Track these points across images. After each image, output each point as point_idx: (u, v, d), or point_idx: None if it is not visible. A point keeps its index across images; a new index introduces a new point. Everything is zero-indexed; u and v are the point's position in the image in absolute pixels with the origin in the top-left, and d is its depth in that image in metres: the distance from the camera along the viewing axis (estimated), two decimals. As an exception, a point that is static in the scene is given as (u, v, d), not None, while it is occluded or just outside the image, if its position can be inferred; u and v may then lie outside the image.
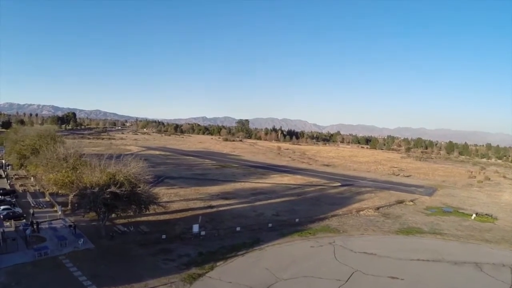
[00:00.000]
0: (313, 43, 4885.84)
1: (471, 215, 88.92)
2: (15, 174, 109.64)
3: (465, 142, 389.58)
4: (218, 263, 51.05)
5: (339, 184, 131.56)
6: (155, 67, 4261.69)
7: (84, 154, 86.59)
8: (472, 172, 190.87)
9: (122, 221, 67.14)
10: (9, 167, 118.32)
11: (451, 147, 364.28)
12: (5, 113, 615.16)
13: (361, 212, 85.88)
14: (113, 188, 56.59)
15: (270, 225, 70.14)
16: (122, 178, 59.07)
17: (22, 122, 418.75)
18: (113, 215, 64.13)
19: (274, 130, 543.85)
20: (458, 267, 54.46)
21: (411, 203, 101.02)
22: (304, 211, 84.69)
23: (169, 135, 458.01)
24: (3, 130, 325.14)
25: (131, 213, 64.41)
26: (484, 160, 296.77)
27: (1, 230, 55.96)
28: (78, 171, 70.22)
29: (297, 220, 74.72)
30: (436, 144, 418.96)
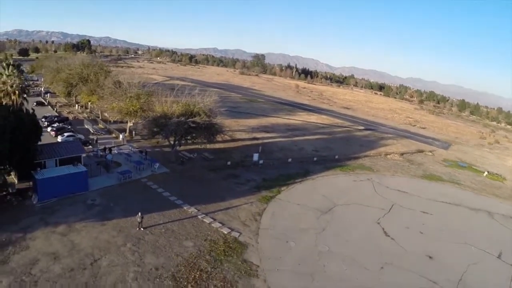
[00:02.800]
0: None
1: (483, 172, 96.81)
2: (57, 102, 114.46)
3: (477, 103, 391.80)
4: (282, 188, 60.11)
5: (363, 127, 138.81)
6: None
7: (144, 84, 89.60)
8: (483, 133, 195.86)
9: (185, 148, 73.74)
10: (48, 94, 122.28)
11: (463, 105, 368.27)
12: (18, 40, 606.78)
13: (388, 156, 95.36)
14: (194, 118, 63.99)
15: (315, 159, 79.88)
16: (198, 110, 66.36)
17: (37, 49, 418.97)
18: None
19: (289, 67, 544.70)
20: (474, 212, 63.89)
21: (430, 153, 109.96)
22: (338, 149, 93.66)
23: (185, 65, 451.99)
24: (31, 57, 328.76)
25: (203, 141, 71.71)
26: (494, 123, 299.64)
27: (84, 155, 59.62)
28: (142, 100, 75.68)
29: (336, 156, 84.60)
30: (447, 100, 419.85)
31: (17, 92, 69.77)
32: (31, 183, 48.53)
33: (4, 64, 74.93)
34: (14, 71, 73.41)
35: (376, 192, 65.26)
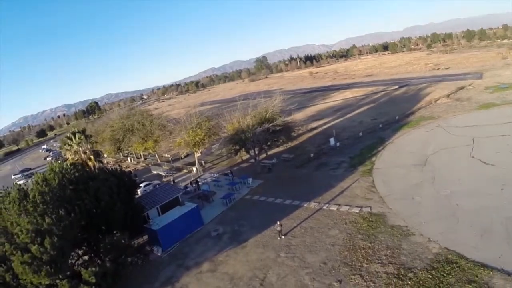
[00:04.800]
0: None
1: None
2: (107, 162, 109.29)
3: (482, 27, 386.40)
4: (372, 159, 62.42)
5: (397, 86, 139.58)
6: (151, 34, 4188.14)
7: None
8: (502, 53, 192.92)
9: (262, 156, 74.22)
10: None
11: (470, 35, 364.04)
12: (30, 125, 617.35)
13: (438, 101, 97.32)
14: (275, 123, 66.39)
15: (380, 126, 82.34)
16: (270, 115, 68.34)
17: (51, 127, 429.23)
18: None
19: (293, 59, 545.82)
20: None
21: (470, 87, 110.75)
22: (392, 111, 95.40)
23: (194, 92, 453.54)
24: (49, 136, 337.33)
25: (281, 144, 71.65)
26: (506, 41, 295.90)
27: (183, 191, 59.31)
28: (204, 128, 75.57)
29: (396, 117, 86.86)
30: (452, 36, 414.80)
31: (92, 157, 70.25)
32: (144, 237, 48.47)
33: (70, 134, 75.35)
34: (82, 137, 73.68)
35: (451, 133, 67.31)
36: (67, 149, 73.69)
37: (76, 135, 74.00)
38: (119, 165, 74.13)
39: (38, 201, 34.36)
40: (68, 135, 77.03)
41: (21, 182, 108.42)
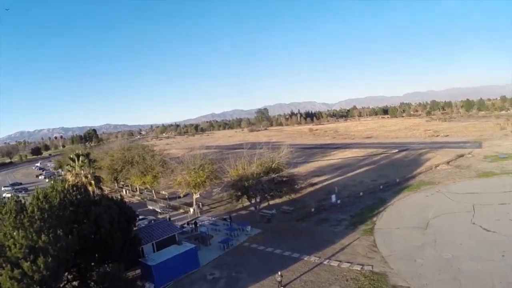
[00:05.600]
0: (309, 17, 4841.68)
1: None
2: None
3: (480, 98, 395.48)
4: (373, 219, 62.75)
5: (397, 150, 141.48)
6: (156, 72, 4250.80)
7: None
8: (500, 124, 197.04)
9: (262, 205, 72.59)
10: None
11: (469, 104, 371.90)
12: (26, 140, 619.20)
13: (438, 168, 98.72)
14: (281, 173, 67.03)
15: (380, 187, 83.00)
16: (276, 166, 69.05)
17: (46, 147, 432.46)
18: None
19: (294, 114, 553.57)
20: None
21: (470, 155, 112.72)
22: (392, 174, 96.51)
23: (193, 135, 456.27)
24: (43, 155, 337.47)
25: (284, 195, 71.62)
26: (504, 112, 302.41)
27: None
28: (206, 170, 75.74)
29: (397, 180, 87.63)
30: (451, 105, 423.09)
31: (92, 182, 69.63)
32: (136, 272, 47.46)
33: (73, 156, 74.82)
34: (85, 161, 73.52)
35: (452, 199, 68.22)
36: (69, 170, 73.08)
37: (80, 158, 73.99)
38: (120, 195, 74.24)
39: (36, 217, 33.51)
40: (71, 156, 77.01)
41: (9, 195, 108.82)
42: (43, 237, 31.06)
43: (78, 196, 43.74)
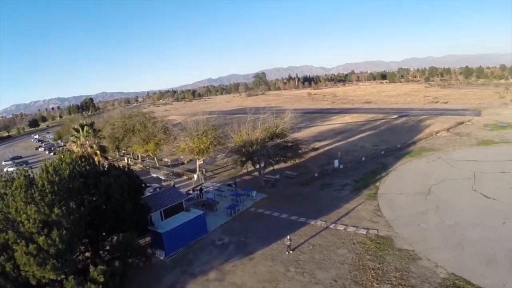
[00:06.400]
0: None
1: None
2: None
3: (480, 66, 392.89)
4: (376, 184, 63.84)
5: (396, 116, 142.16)
6: (151, 38, 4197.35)
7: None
8: (499, 93, 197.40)
9: (266, 171, 72.50)
10: None
11: (468, 72, 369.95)
12: (22, 113, 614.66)
13: (438, 134, 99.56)
14: (286, 139, 67.67)
15: (382, 152, 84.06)
16: (280, 131, 69.47)
17: (43, 119, 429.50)
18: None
19: (291, 78, 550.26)
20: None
21: (470, 123, 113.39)
22: (393, 140, 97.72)
23: (190, 101, 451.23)
24: (41, 127, 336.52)
25: (288, 160, 71.69)
26: (503, 81, 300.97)
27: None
28: (210, 136, 75.90)
29: (398, 145, 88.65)
30: (450, 71, 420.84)
31: (98, 152, 69.59)
32: (146, 239, 47.44)
33: (77, 126, 74.24)
34: (90, 131, 72.73)
35: (452, 166, 69.36)
36: (73, 141, 72.89)
37: (84, 128, 73.33)
38: (128, 164, 74.36)
39: (47, 191, 33.12)
40: (75, 127, 76.23)
41: (11, 169, 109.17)
42: (56, 210, 31.07)
43: (87, 167, 43.49)
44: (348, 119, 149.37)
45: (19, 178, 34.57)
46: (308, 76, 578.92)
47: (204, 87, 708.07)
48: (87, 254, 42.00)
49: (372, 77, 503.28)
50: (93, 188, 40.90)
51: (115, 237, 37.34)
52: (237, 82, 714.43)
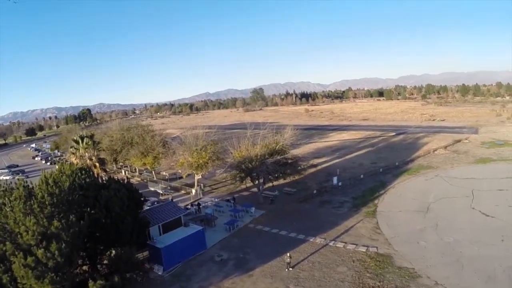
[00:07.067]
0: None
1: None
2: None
3: (476, 83, 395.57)
4: (375, 201, 63.85)
5: (394, 133, 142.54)
6: (149, 50, 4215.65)
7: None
8: (496, 110, 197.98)
9: (265, 186, 71.99)
10: None
11: (464, 89, 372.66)
12: (20, 121, 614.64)
13: (436, 152, 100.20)
14: (286, 155, 68.30)
15: (380, 170, 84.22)
16: (280, 147, 69.80)
17: (41, 127, 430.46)
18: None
19: (289, 94, 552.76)
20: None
21: (467, 140, 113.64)
22: (390, 157, 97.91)
23: (188, 115, 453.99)
24: (38, 136, 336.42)
25: (288, 176, 72.59)
26: (499, 98, 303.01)
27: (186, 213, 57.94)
28: (209, 151, 75.99)
29: (396, 163, 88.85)
30: (446, 89, 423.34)
31: (97, 165, 68.74)
32: (144, 254, 47.29)
33: (77, 138, 73.67)
34: (90, 143, 72.33)
35: (451, 184, 69.61)
36: (72, 153, 72.15)
37: (84, 140, 73.03)
38: (127, 177, 74.16)
39: (46, 202, 32.76)
40: (75, 138, 75.88)
41: (7, 177, 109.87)
42: (55, 222, 30.88)
43: (87, 180, 43.56)
44: (345, 136, 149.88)
45: (18, 189, 34.51)
46: (305, 92, 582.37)
47: (201, 101, 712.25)
48: (85, 267, 42.02)
49: (369, 94, 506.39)
50: (93, 201, 40.86)
51: (114, 251, 37.46)
52: (234, 97, 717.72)
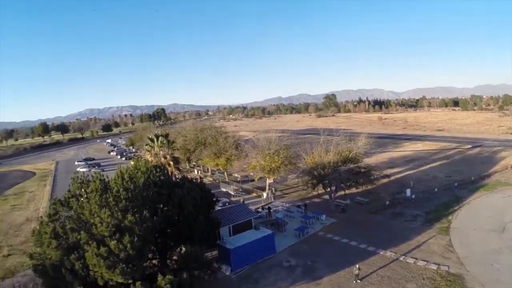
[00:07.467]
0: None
1: None
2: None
3: None
4: (449, 217, 61.31)
5: (470, 146, 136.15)
6: (226, 55, 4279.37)
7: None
8: None
9: (337, 194, 70.75)
10: None
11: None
12: (96, 117, 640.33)
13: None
14: (359, 164, 67.15)
15: (455, 184, 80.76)
16: (353, 155, 68.69)
17: (116, 124, 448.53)
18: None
19: (362, 101, 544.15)
20: None
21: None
22: (466, 171, 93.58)
23: (260, 118, 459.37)
24: (114, 132, 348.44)
25: (361, 186, 70.26)
26: None
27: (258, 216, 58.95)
28: (281, 156, 75.53)
29: (472, 178, 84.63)
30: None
31: (171, 163, 70.00)
32: (213, 253, 48.09)
33: (152, 136, 75.54)
34: (164, 142, 73.68)
35: (529, 203, 65.95)
36: (148, 150, 74.30)
37: (159, 138, 74.83)
38: (200, 177, 75.65)
39: (121, 197, 33.74)
40: (150, 136, 77.96)
41: (83, 169, 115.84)
42: (129, 216, 31.87)
43: (161, 177, 43.95)
44: (420, 146, 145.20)
45: (94, 182, 35.79)
46: (378, 99, 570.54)
47: (274, 105, 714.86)
48: (154, 261, 43.38)
49: (444, 103, 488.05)
50: (166, 198, 41.93)
51: (184, 248, 38.14)
52: (306, 102, 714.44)
